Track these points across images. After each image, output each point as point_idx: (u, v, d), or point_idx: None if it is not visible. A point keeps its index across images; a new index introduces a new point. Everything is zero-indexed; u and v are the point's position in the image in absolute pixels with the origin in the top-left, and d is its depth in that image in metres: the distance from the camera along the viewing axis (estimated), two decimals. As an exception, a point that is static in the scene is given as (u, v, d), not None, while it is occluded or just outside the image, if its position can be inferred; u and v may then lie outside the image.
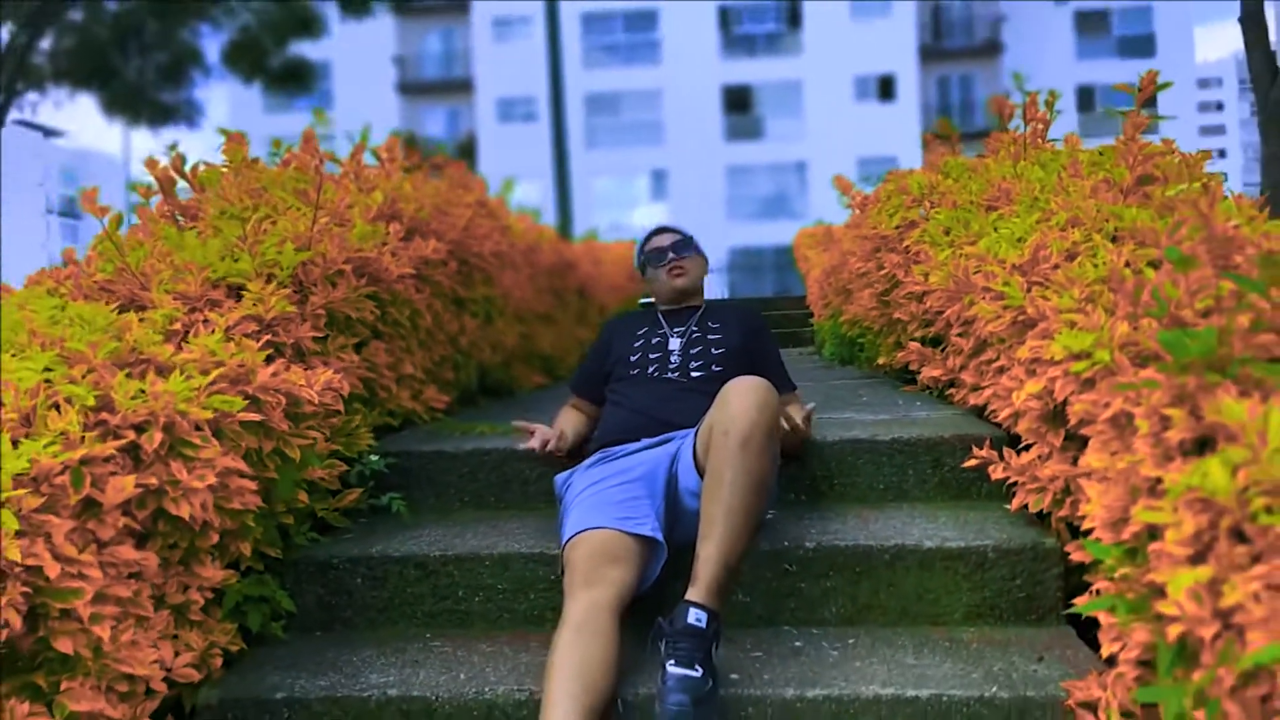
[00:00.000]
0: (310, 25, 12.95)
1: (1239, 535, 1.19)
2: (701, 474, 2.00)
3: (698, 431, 2.08)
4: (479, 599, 2.18)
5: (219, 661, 1.94)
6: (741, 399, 1.92)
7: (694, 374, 2.45)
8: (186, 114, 13.29)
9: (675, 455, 2.17)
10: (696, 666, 1.68)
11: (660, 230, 2.76)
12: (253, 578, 2.13)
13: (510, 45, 33.09)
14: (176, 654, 1.81)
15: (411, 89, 35.11)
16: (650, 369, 2.50)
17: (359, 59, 33.74)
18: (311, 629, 2.21)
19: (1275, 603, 1.06)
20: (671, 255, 2.66)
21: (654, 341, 2.57)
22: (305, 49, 14.06)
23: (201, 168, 2.83)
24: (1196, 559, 1.30)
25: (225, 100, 34.95)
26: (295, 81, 13.48)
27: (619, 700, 1.78)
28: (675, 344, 2.54)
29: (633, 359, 2.55)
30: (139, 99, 12.32)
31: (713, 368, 2.45)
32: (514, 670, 1.91)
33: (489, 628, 2.16)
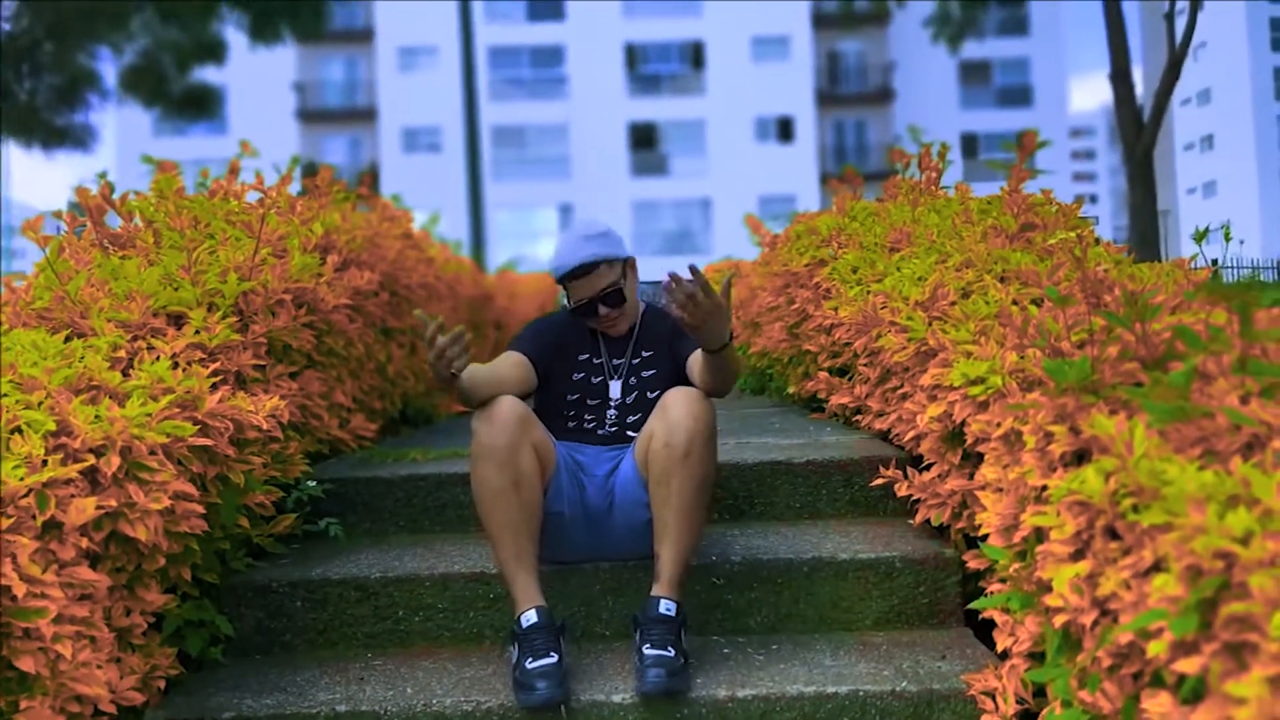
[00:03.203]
0: (215, 51, 12.73)
1: (1112, 533, 1.40)
2: (645, 480, 2.13)
3: (636, 442, 2.19)
4: (419, 618, 2.25)
5: (161, 684, 1.97)
6: (679, 409, 2.05)
7: (629, 433, 2.33)
8: (80, 137, 12.82)
9: (615, 467, 2.26)
10: (669, 648, 1.92)
11: (575, 274, 2.27)
12: (191, 603, 2.16)
13: (415, 75, 33.02)
14: (121, 676, 1.84)
15: (312, 116, 34.61)
16: (587, 418, 2.34)
17: (257, 84, 33.13)
18: (250, 653, 2.24)
19: (1143, 588, 1.26)
20: (603, 309, 2.29)
21: (594, 381, 2.35)
22: (203, 73, 13.80)
23: (132, 196, 2.84)
24: (1076, 555, 1.50)
25: (112, 122, 33.68)
26: (196, 107, 13.20)
27: (561, 706, 1.89)
28: (615, 390, 2.34)
29: (570, 397, 2.34)
30: (31, 120, 11.84)
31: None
32: (459, 684, 2.00)
33: (430, 646, 2.23)
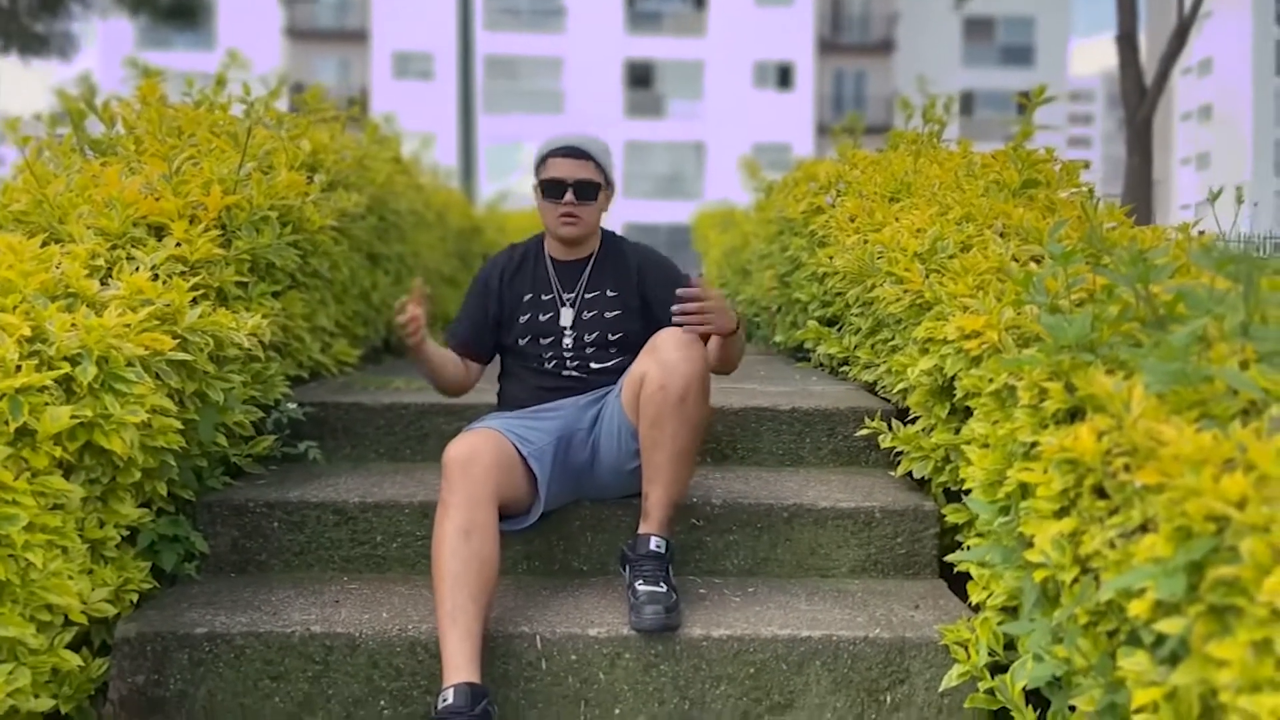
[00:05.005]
0: (203, -40, 12.29)
1: (1099, 492, 1.39)
2: (633, 425, 2.08)
3: (625, 382, 2.13)
4: (397, 545, 2.24)
5: (133, 598, 1.96)
6: (674, 351, 1.99)
7: (594, 365, 2.24)
8: (60, 46, 12.37)
9: (597, 416, 2.21)
10: (661, 583, 1.94)
11: (566, 152, 2.23)
12: (166, 518, 2.14)
13: (409, -1, 32.15)
14: (93, 588, 1.82)
15: (301, 34, 33.68)
16: (545, 355, 2.25)
17: (245, -2, 32.15)
18: (225, 570, 2.23)
19: (1128, 548, 1.26)
20: (569, 198, 2.20)
21: (542, 319, 2.26)
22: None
23: (115, 103, 2.75)
24: (1060, 513, 1.50)
25: (94, 34, 32.68)
26: (183, 17, 12.79)
27: (537, 637, 1.89)
28: (566, 317, 2.25)
29: (522, 341, 2.26)
30: (9, 26, 11.39)
31: (610, 350, 2.25)
32: (434, 611, 1.99)
33: (407, 572, 2.23)
